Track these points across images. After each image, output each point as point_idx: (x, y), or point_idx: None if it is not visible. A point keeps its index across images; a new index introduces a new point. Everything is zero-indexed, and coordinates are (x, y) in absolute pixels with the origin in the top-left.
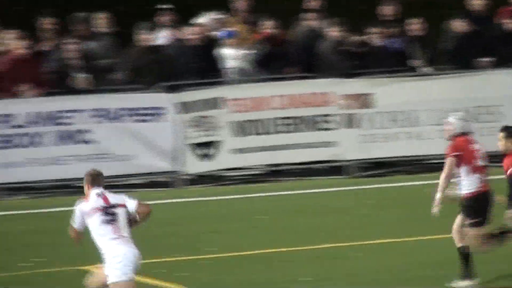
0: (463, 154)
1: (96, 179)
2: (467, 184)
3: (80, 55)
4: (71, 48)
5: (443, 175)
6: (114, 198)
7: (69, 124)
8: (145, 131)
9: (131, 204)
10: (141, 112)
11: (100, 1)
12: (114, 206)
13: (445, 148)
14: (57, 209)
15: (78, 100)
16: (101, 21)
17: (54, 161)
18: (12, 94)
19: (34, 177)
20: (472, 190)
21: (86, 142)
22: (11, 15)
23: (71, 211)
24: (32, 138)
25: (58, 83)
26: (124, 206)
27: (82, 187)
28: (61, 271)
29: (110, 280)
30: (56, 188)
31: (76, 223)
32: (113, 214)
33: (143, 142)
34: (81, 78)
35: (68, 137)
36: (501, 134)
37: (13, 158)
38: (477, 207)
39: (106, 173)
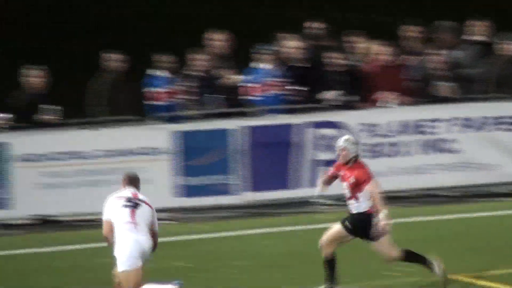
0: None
1: (133, 180)
2: (363, 205)
3: (445, 64)
4: (435, 57)
5: (378, 194)
6: (145, 197)
7: (433, 133)
8: (510, 140)
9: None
10: (507, 121)
11: (465, 10)
12: (141, 200)
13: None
14: (420, 219)
15: (441, 109)
16: (475, 29)
17: (418, 170)
18: (374, 102)
19: (398, 187)
20: (366, 210)
21: (450, 151)
22: (374, 24)
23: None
24: (396, 147)
25: (421, 92)
26: (152, 208)
27: (447, 196)
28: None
29: (118, 269)
30: (421, 197)
31: (105, 215)
32: (135, 203)
33: (507, 151)
34: (444, 87)
35: (432, 146)
36: None
37: (378, 167)
38: (370, 224)
39: (468, 182)
